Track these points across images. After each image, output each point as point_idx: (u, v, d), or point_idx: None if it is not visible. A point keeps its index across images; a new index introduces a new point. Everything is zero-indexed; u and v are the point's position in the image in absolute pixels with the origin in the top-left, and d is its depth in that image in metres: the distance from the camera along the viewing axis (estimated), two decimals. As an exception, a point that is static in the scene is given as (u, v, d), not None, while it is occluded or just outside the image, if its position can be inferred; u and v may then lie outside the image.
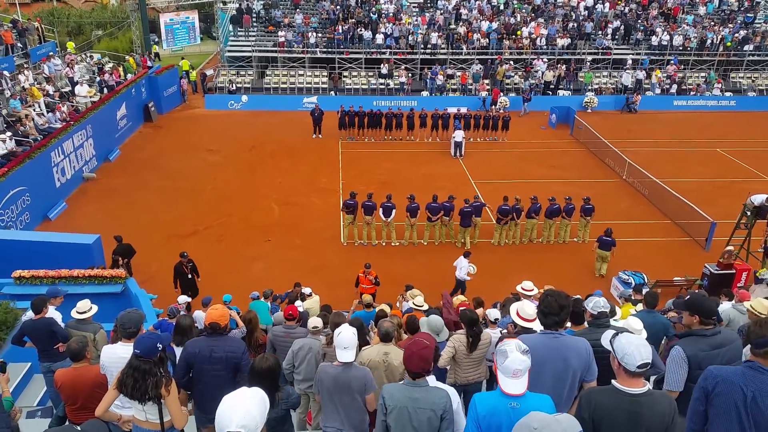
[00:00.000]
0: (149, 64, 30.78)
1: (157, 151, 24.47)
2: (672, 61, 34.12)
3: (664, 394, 4.02)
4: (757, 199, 15.50)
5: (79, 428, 3.68)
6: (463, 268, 14.15)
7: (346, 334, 5.05)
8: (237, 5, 35.25)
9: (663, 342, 7.31)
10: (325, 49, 32.99)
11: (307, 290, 12.00)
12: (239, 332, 7.47)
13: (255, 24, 34.82)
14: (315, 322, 7.06)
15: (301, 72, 33.16)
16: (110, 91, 24.86)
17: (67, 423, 5.74)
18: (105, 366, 5.28)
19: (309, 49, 32.88)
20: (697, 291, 10.76)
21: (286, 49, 32.87)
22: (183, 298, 10.91)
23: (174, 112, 30.28)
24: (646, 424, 3.65)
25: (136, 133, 26.61)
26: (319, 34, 33.36)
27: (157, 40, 41.60)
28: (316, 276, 14.58)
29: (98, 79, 26.36)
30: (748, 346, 4.01)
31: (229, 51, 33.93)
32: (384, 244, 17.22)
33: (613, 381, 3.78)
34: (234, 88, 31.55)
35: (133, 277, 12.53)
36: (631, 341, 3.72)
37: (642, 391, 3.68)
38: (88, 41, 41.62)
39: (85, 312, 7.39)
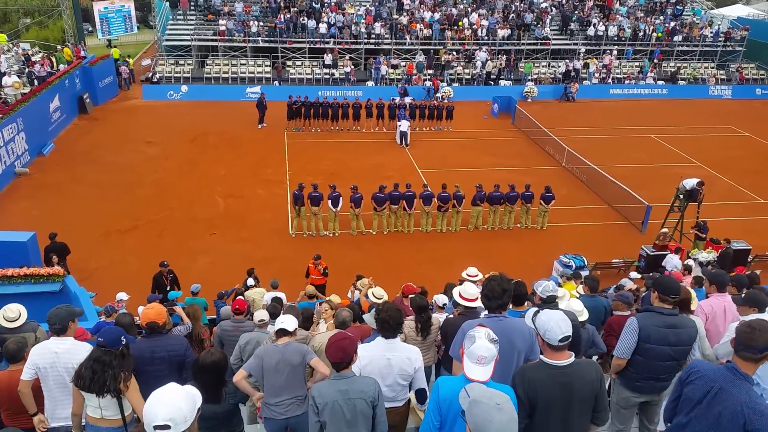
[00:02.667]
0: (83, 53, 29.49)
1: (93, 144, 23.53)
2: (610, 53, 35.27)
3: (589, 362, 4.24)
4: (689, 183, 16.29)
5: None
6: (672, 260, 14.16)
7: (286, 316, 5.36)
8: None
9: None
10: (267, 38, 32.45)
11: (250, 281, 11.86)
12: (185, 328, 7.34)
13: (194, 12, 33.88)
14: (261, 315, 6.99)
15: (243, 61, 32.53)
16: (41, 83, 23.70)
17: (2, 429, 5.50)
18: (38, 365, 4.97)
19: (251, 38, 32.26)
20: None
21: (226, 38, 32.15)
22: (122, 295, 10.60)
23: (110, 103, 29.17)
24: (577, 392, 3.89)
25: (71, 125, 25.51)
26: (261, 23, 32.77)
27: (90, 29, 39.94)
28: (265, 268, 14.35)
29: (27, 70, 25.07)
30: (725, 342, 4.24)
31: (167, 40, 32.89)
32: (332, 235, 17.18)
33: (540, 356, 3.98)
34: (157, 78, 30.71)
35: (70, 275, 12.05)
36: (550, 317, 3.89)
37: (569, 362, 3.90)
38: (16, 30, 39.50)
39: (15, 320, 6.54)
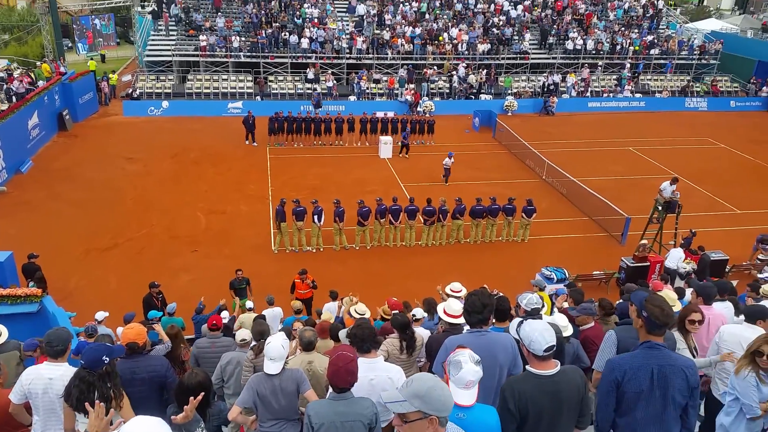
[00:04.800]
0: (62, 69, 29.29)
1: (72, 162, 23.31)
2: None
3: (573, 368, 4.28)
4: (664, 186, 16.56)
5: None
6: (675, 258, 14.42)
7: (274, 345, 4.99)
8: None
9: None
10: (249, 54, 32.49)
11: (249, 304, 11.69)
12: (164, 347, 7.26)
13: (175, 27, 33.85)
14: (243, 334, 6.95)
15: (224, 77, 32.51)
16: (19, 99, 23.46)
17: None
18: (30, 390, 4.89)
19: (232, 54, 32.29)
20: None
21: (208, 53, 32.13)
22: (101, 314, 10.47)
23: (90, 119, 28.94)
24: (565, 399, 3.94)
25: (50, 142, 25.27)
26: (243, 38, 32.83)
27: (70, 45, 39.73)
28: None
29: (6, 86, 24.82)
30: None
31: (148, 55, 32.78)
32: (315, 250, 17.15)
33: (527, 367, 3.99)
34: (137, 94, 30.59)
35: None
36: (534, 328, 3.92)
37: (556, 371, 3.93)
38: (-7, 46, 39.17)
39: None
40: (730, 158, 26.89)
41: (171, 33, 33.66)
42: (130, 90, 31.20)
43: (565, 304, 9.30)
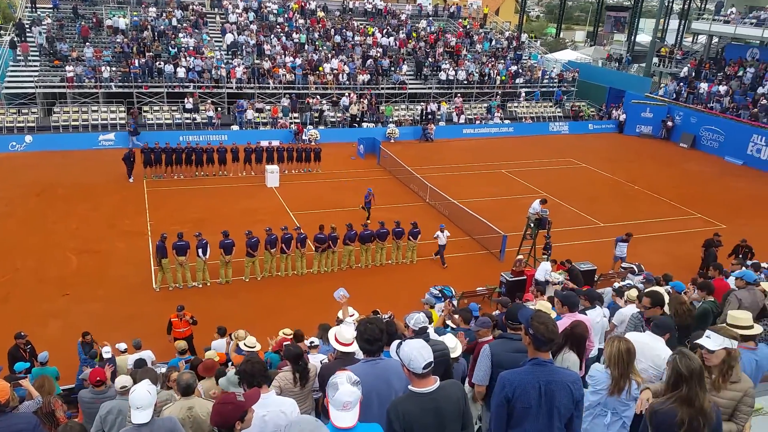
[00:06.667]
0: None
1: None
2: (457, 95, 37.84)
3: (452, 382, 4.42)
4: (534, 205, 17.82)
5: None
6: (543, 271, 14.58)
7: (139, 392, 4.66)
8: (16, 23, 31.84)
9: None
10: (120, 84, 31.01)
11: (122, 346, 10.93)
12: (33, 403, 6.67)
13: (37, 58, 31.57)
14: (123, 381, 6.53)
15: (94, 108, 30.73)
16: None
17: None
18: None
19: (103, 84, 30.65)
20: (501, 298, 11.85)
21: (75, 84, 30.25)
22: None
23: (-63, 157, 26.12)
24: (447, 414, 4.07)
25: None
26: (114, 68, 31.30)
27: None
28: (128, 328, 13.43)
29: None
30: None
31: (7, 87, 30.23)
32: (201, 285, 16.52)
33: (409, 386, 4.10)
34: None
35: None
36: (413, 347, 4.05)
37: (435, 387, 4.06)
38: None
39: None
40: (590, 176, 29.44)
41: (33, 63, 31.34)
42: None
43: (451, 323, 9.60)
